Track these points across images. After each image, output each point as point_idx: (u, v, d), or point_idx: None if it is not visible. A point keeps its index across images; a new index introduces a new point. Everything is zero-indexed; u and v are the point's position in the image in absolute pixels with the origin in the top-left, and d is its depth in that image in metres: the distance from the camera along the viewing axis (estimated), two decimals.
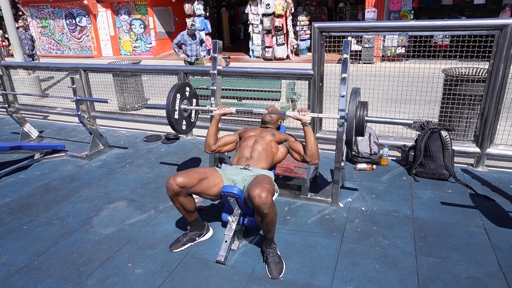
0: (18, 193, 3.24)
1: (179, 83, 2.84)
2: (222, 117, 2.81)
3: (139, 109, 6.49)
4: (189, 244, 2.40)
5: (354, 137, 2.51)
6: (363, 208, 2.80)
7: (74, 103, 3.75)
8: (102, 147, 4.08)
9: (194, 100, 3.04)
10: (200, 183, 2.20)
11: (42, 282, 2.14)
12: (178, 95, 2.81)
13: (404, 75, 3.72)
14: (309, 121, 2.50)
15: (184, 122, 2.92)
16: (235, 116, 4.94)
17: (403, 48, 10.70)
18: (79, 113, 3.75)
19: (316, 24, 3.51)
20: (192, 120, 3.05)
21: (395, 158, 3.68)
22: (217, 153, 2.79)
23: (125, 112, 5.08)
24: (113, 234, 2.58)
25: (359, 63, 10.73)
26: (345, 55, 2.64)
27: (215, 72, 3.09)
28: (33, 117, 5.82)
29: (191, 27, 7.13)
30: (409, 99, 3.81)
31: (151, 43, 14.88)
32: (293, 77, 4.04)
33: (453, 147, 3.22)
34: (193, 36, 7.30)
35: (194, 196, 2.34)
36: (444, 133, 3.17)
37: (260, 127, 2.82)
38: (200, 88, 5.17)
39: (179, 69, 4.30)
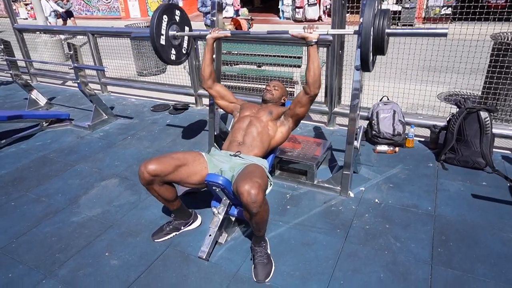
0: (14, 164, 3.14)
1: (165, 4, 2.47)
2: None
3: (157, 74, 6.27)
4: (173, 234, 2.18)
5: (372, 54, 2.00)
6: (376, 200, 2.43)
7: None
8: (106, 117, 3.89)
9: (187, 28, 2.69)
10: (178, 171, 1.91)
11: (14, 268, 2.01)
12: (165, 18, 2.44)
13: (447, 40, 3.12)
14: (316, 40, 2.05)
15: (173, 51, 2.57)
16: (246, 82, 4.57)
17: (449, 8, 9.56)
18: (78, 81, 3.54)
19: None
20: (184, 51, 2.71)
21: (423, 139, 3.21)
22: (213, 99, 2.54)
23: (135, 79, 4.84)
24: (97, 217, 2.41)
25: (397, 25, 9.75)
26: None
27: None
28: (51, 82, 5.72)
29: None
30: (451, 68, 3.24)
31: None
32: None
33: (493, 131, 2.71)
34: None
35: None
36: (483, 114, 2.65)
37: (261, 104, 2.46)
38: None
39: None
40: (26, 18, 16.18)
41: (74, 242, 2.19)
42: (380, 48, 1.99)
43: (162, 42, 2.43)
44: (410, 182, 2.61)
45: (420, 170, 2.74)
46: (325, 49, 3.29)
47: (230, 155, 2.08)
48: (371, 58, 2.00)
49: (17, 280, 1.93)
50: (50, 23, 9.81)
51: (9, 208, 2.56)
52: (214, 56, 2.67)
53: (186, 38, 2.71)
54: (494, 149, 2.79)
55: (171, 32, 2.50)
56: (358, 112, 2.41)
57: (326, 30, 2.11)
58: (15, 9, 16.95)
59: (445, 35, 1.88)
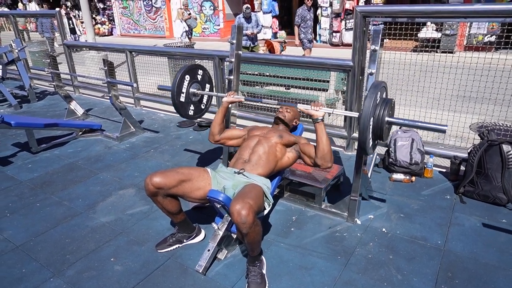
0: (46, 169, 3.39)
1: (189, 65, 2.68)
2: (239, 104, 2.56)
3: None
4: (176, 246, 2.24)
5: (371, 140, 2.07)
6: (384, 229, 2.37)
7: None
8: (134, 130, 4.11)
9: (208, 86, 2.86)
10: (181, 185, 2.00)
11: (28, 264, 2.16)
12: (188, 77, 2.68)
13: (488, 68, 3.00)
14: (322, 117, 2.11)
15: (192, 107, 2.79)
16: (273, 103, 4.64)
17: (494, 36, 9.20)
18: (110, 94, 3.80)
19: (358, 8, 3.03)
20: (202, 107, 2.88)
21: (444, 170, 3.10)
22: (222, 145, 2.60)
23: (166, 95, 5.09)
24: (110, 223, 2.54)
25: (436, 52, 9.51)
26: (373, 47, 2.19)
27: (233, 60, 2.83)
28: (91, 95, 6.12)
29: (246, 10, 6.89)
30: (487, 99, 3.12)
31: (219, 25, 14.99)
32: (328, 68, 3.59)
33: None
34: (248, 19, 7.06)
35: None
36: (506, 148, 2.53)
37: (272, 125, 2.52)
38: (243, 73, 4.95)
39: (214, 55, 4.12)
40: (80, 35, 17.49)
41: (85, 246, 2.32)
42: (379, 135, 2.06)
43: (182, 99, 2.68)
44: (423, 213, 2.52)
45: (435, 202, 2.64)
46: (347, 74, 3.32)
47: (234, 172, 2.14)
48: (370, 144, 2.06)
49: (28, 276, 2.07)
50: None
51: (34, 208, 2.76)
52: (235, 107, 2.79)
53: (205, 95, 2.89)
54: None
55: (191, 90, 2.72)
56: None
57: (332, 110, 2.22)
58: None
59: (443, 131, 1.94)
